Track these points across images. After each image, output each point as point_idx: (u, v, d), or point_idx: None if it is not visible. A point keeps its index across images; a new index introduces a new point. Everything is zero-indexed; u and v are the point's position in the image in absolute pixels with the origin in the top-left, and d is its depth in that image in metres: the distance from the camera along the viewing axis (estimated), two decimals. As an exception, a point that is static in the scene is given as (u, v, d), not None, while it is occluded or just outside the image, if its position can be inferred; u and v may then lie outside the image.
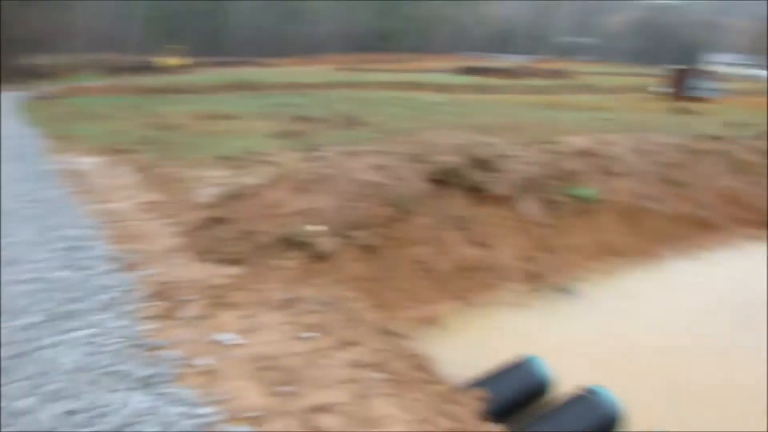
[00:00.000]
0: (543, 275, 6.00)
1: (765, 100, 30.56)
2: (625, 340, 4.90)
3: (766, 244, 7.47)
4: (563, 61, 57.29)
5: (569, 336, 4.99)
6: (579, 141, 7.84)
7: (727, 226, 7.60)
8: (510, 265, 5.95)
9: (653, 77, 35.30)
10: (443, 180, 6.13)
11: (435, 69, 42.77)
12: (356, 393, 2.70)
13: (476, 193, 6.29)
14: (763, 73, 61.85)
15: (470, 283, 5.58)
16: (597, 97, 27.55)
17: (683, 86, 27.37)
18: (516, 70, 42.34)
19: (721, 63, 63.16)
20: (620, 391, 3.66)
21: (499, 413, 3.31)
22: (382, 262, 5.22)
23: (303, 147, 7.30)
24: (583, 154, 7.48)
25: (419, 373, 3.21)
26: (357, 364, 2.99)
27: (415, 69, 42.08)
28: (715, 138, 9.76)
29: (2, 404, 2.48)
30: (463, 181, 6.23)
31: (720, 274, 6.55)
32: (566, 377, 3.93)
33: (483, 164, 6.45)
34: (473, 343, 4.70)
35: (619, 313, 5.46)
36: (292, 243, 4.71)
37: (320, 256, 4.73)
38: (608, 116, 14.98)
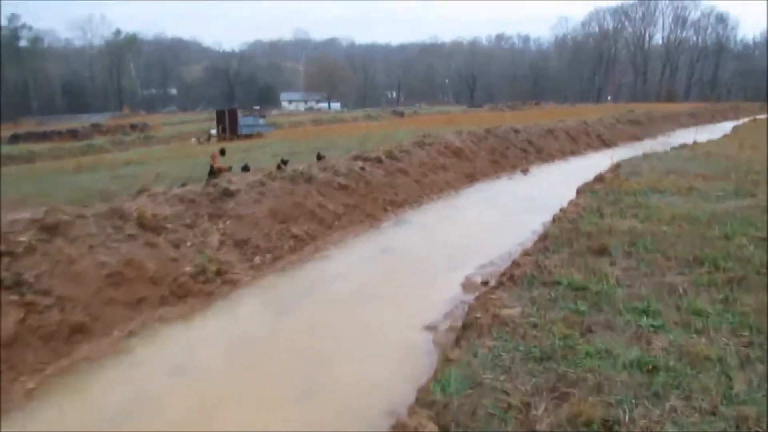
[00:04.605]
0: None
1: (310, 128, 34.04)
2: None
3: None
4: (143, 115, 54.19)
5: None
6: None
7: (112, 323, 5.37)
8: None
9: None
10: None
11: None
12: None
13: None
14: (324, 105, 72.65)
15: None
16: (152, 148, 25.30)
17: (234, 126, 27.56)
18: (82, 130, 37.12)
19: (292, 100, 71.10)
20: None
21: None
22: None
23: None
24: None
25: None
26: None
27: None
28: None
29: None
30: None
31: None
32: None
33: None
34: None
35: None
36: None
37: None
38: (134, 171, 12.17)
